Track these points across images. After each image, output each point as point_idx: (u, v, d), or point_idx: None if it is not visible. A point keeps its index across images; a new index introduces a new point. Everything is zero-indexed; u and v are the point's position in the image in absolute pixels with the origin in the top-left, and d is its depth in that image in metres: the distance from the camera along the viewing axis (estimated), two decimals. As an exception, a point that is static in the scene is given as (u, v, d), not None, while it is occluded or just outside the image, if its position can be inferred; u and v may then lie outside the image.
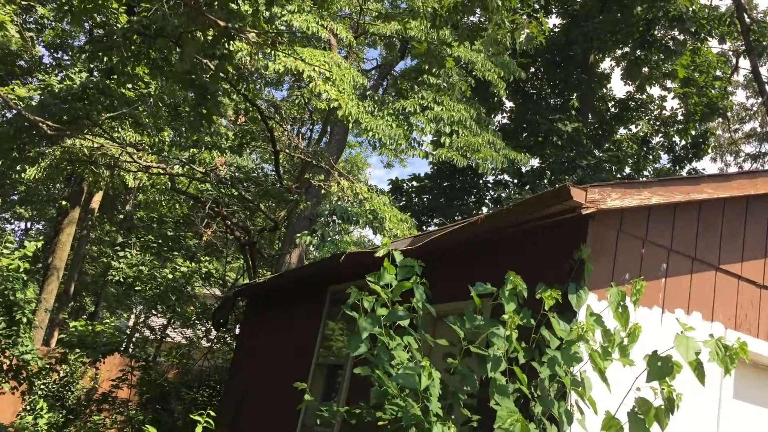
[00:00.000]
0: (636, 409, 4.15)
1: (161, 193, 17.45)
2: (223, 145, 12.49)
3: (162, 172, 13.52)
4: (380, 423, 4.86)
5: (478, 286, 4.59)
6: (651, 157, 21.54)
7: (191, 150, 12.88)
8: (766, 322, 5.82)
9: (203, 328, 16.36)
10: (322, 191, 13.60)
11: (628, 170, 20.73)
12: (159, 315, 16.48)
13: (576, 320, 4.32)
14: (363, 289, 4.73)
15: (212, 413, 6.55)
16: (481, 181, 21.34)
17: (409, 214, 13.95)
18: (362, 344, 4.47)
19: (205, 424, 6.36)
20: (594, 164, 18.54)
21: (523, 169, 19.74)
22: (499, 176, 21.50)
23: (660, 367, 4.09)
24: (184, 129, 11.28)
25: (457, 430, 4.50)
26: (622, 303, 4.47)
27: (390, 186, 21.49)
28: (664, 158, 22.24)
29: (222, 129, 13.54)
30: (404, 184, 21.69)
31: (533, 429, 3.96)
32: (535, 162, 19.77)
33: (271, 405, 9.49)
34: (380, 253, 5.23)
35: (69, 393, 12.33)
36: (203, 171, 13.23)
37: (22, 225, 36.55)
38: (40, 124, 9.67)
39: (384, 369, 4.43)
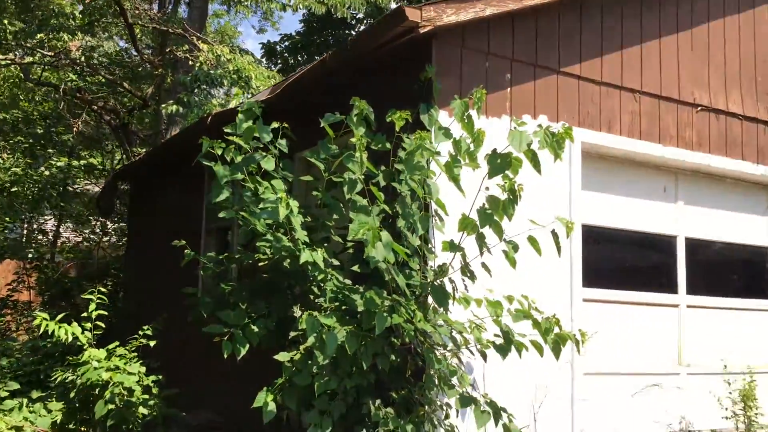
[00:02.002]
0: (486, 206, 4.50)
1: (16, 86, 16.38)
2: (71, 26, 11.72)
3: (11, 62, 12.62)
4: (261, 264, 5.11)
5: (327, 117, 4.72)
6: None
7: (39, 36, 12.03)
8: (606, 116, 6.27)
9: (97, 223, 16.07)
10: (190, 62, 13.14)
11: None
12: (47, 216, 16.01)
13: (420, 132, 4.53)
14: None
15: (102, 289, 6.63)
16: (353, 32, 21.03)
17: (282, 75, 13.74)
18: (224, 191, 4.58)
19: (98, 301, 6.44)
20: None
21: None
22: (367, 22, 21.22)
23: (500, 163, 4.41)
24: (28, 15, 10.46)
25: (328, 254, 4.79)
26: (466, 113, 4.71)
27: (263, 50, 20.91)
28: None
29: (67, 9, 12.63)
30: (277, 46, 21.14)
31: (390, 238, 4.24)
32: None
33: (171, 278, 9.63)
34: (233, 104, 5.25)
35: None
36: (53, 55, 12.43)
37: None
38: None
39: (250, 210, 4.59)
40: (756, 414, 6.29)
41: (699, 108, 6.88)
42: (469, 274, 4.72)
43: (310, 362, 4.31)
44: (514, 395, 5.36)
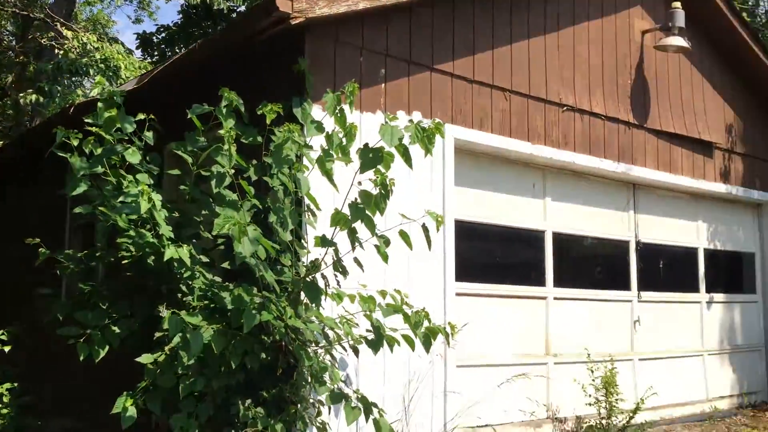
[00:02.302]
0: (358, 200, 4.47)
1: None
2: None
3: None
4: (124, 262, 4.84)
5: (195, 108, 4.54)
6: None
7: None
8: (478, 114, 6.41)
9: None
10: (56, 50, 12.40)
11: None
12: None
13: (288, 125, 4.44)
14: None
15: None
16: (235, 25, 20.57)
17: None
18: (80, 184, 4.31)
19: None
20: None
21: None
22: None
23: (371, 158, 4.39)
24: None
25: (197, 251, 4.61)
26: (339, 107, 4.65)
27: (138, 41, 20.08)
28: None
29: None
30: (154, 37, 20.35)
31: (258, 234, 4.13)
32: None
33: (32, 278, 9.03)
34: (95, 92, 4.96)
35: None
36: None
37: None
38: None
39: (111, 204, 4.34)
40: (617, 399, 6.61)
41: (565, 108, 7.17)
42: (341, 270, 4.69)
43: (175, 363, 4.14)
44: (388, 390, 5.37)
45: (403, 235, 4.55)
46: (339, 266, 4.65)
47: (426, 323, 4.54)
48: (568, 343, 7.15)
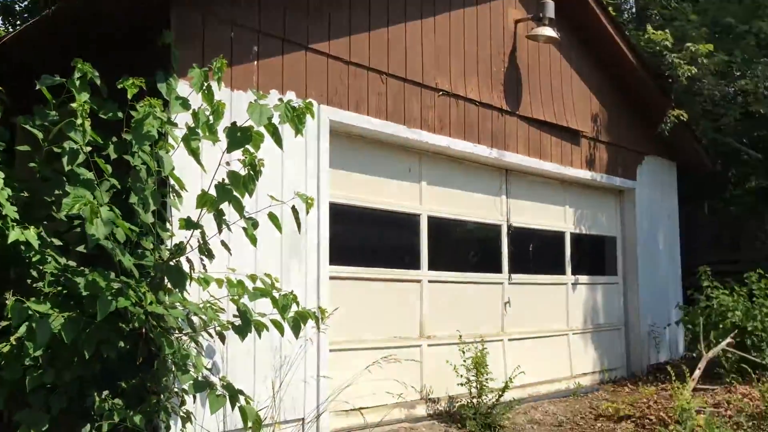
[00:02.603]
0: (226, 181, 4.29)
1: None
2: None
3: None
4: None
5: (45, 79, 4.20)
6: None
7: None
8: (354, 96, 6.35)
9: None
10: None
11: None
12: None
13: (149, 99, 4.19)
14: None
15: None
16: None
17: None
18: None
19: None
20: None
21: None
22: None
23: (240, 137, 4.21)
24: None
25: (48, 233, 4.29)
26: (206, 83, 4.44)
27: (-2, 8, 18.57)
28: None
29: None
30: (16, 5, 18.91)
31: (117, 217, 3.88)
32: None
33: None
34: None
35: None
36: None
37: None
38: None
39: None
40: (487, 379, 6.80)
41: (441, 93, 7.24)
42: (207, 253, 4.49)
43: (21, 354, 3.83)
44: (258, 376, 5.25)
45: (272, 218, 4.42)
46: (205, 249, 4.46)
47: (295, 307, 4.44)
48: (442, 326, 7.26)
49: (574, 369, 9.09)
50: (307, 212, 4.58)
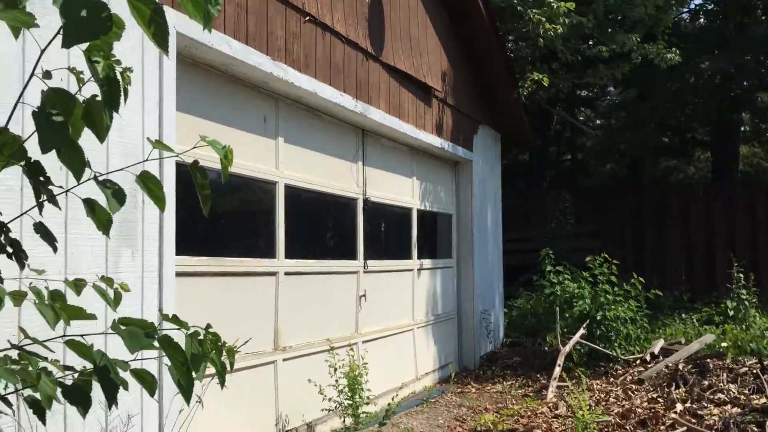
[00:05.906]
0: (46, 107, 2.10)
1: None
2: None
3: None
4: None
5: None
6: None
7: None
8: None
9: None
10: None
11: None
12: None
13: None
14: None
15: None
16: None
17: None
18: None
19: None
20: None
21: None
22: None
23: (88, 20, 2.07)
24: None
25: None
26: None
27: None
28: None
29: None
30: None
31: None
32: None
33: None
34: None
35: None
36: None
37: None
38: None
39: None
40: (367, 399, 5.20)
41: (307, 18, 5.35)
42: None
43: None
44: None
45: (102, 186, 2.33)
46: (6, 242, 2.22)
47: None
48: (301, 332, 5.47)
49: (418, 369, 7.80)
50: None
